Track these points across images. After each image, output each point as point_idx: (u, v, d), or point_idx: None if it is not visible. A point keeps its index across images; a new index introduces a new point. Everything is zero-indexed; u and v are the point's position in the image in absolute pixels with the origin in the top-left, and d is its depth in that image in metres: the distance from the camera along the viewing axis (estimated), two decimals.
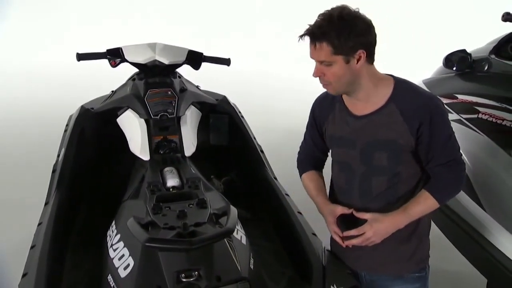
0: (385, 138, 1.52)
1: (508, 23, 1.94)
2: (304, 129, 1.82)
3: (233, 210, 1.41)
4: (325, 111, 1.68)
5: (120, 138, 2.10)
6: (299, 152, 1.86)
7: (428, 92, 1.59)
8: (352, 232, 1.54)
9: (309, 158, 1.81)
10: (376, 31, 1.47)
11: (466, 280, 2.52)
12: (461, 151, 2.03)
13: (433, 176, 1.54)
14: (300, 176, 1.83)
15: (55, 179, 2.03)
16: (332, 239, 1.70)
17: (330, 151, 1.73)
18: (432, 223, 2.24)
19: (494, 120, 1.95)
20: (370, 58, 1.50)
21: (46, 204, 1.96)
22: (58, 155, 2.20)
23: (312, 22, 1.46)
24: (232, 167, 2.39)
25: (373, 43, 1.49)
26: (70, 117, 2.40)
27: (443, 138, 1.50)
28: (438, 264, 2.73)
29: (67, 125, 2.38)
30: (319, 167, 1.82)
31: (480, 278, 2.24)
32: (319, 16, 1.46)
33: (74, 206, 2.01)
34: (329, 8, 1.46)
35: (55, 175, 2.07)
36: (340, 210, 1.61)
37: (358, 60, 1.46)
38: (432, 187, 1.53)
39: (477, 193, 1.97)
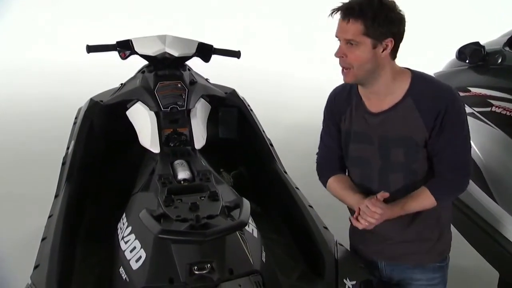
0: (401, 134, 1.51)
1: None
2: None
3: (246, 203, 1.40)
4: (342, 105, 1.64)
5: (129, 130, 2.10)
6: (318, 156, 1.78)
7: (447, 84, 1.52)
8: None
9: (331, 161, 1.72)
10: None
11: (478, 274, 2.52)
12: (473, 144, 2.04)
13: (437, 174, 1.52)
14: (324, 183, 1.74)
15: (65, 172, 2.04)
16: (351, 232, 1.72)
17: (345, 147, 1.67)
18: None
19: (508, 113, 1.94)
20: (395, 51, 1.48)
21: (56, 196, 1.97)
22: (68, 148, 2.21)
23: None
24: (241, 160, 2.39)
25: (402, 36, 1.47)
26: (79, 109, 2.40)
27: (454, 133, 1.47)
28: (450, 259, 2.74)
29: (76, 117, 2.38)
30: (344, 169, 1.72)
31: (492, 272, 2.24)
32: None
33: (83, 199, 2.01)
34: None
35: (65, 167, 2.07)
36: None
37: (384, 49, 1.44)
38: (434, 186, 1.51)
39: (489, 186, 1.97)
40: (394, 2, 1.43)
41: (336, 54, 1.48)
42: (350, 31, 1.42)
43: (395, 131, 1.51)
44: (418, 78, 1.51)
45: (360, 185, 1.63)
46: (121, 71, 2.47)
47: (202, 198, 1.53)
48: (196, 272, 1.29)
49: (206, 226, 1.33)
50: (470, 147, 1.54)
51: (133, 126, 2.10)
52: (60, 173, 2.10)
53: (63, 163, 2.13)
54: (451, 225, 2.25)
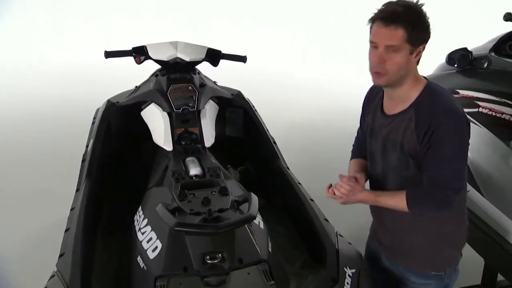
0: (396, 140, 1.49)
1: (509, 23, 1.93)
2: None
3: (254, 198, 1.42)
4: (370, 101, 1.65)
5: (143, 130, 2.12)
6: (355, 139, 1.83)
7: (451, 105, 1.44)
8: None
9: (357, 148, 1.78)
10: None
11: (465, 261, 2.53)
12: None
13: (420, 182, 1.48)
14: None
15: (85, 168, 2.05)
16: (368, 241, 1.79)
17: (366, 141, 1.68)
18: None
19: (494, 114, 1.95)
20: (420, 58, 1.45)
21: (77, 190, 1.99)
22: (87, 146, 2.22)
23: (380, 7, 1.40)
24: (246, 157, 2.40)
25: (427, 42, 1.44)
26: (97, 110, 2.42)
27: (438, 151, 1.41)
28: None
29: (94, 117, 2.39)
30: (363, 154, 1.73)
31: (478, 259, 2.26)
32: (392, 4, 1.39)
33: (102, 193, 2.03)
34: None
35: (85, 164, 2.09)
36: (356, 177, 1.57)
37: (416, 55, 1.42)
38: (411, 192, 1.48)
39: (476, 181, 1.99)
40: (420, 8, 1.40)
41: (375, 62, 1.41)
42: (393, 37, 1.36)
43: (393, 136, 1.50)
44: (428, 90, 1.46)
45: (371, 178, 1.66)
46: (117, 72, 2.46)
47: (213, 193, 1.54)
48: (209, 261, 1.31)
49: (217, 219, 1.35)
50: (459, 169, 1.46)
51: (146, 126, 2.12)
52: (80, 169, 2.11)
53: (83, 160, 2.15)
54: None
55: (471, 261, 2.36)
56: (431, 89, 1.46)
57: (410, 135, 1.44)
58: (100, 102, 2.43)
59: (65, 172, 2.98)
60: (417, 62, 1.46)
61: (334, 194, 1.54)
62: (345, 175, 1.55)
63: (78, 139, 2.72)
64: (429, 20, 1.40)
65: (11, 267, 2.75)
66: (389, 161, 1.54)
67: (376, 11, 1.40)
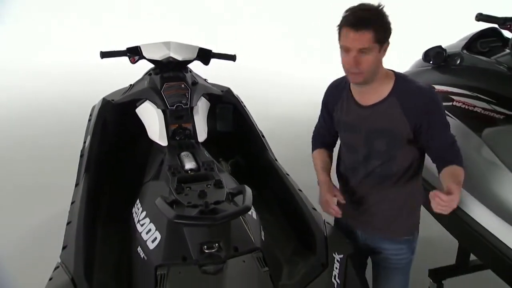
0: (385, 126, 1.54)
1: (480, 22, 1.94)
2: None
3: (248, 190, 1.41)
4: (336, 97, 1.68)
5: (137, 126, 2.09)
6: (314, 128, 1.87)
7: (426, 86, 1.55)
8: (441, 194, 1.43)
9: (321, 137, 1.83)
10: None
11: (440, 242, 2.57)
12: None
13: (443, 157, 1.54)
14: (312, 151, 1.85)
15: (83, 163, 2.02)
16: (339, 219, 1.77)
17: (339, 133, 1.73)
18: None
19: (466, 107, 1.97)
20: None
21: (76, 185, 1.96)
22: (84, 142, 2.19)
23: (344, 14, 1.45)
24: (237, 150, 2.39)
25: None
26: (93, 108, 2.38)
27: (441, 124, 1.52)
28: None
29: (90, 115, 2.36)
30: (328, 146, 1.83)
31: (452, 240, 2.29)
32: (356, 8, 1.43)
33: (100, 187, 2.01)
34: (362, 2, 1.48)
35: (83, 159, 2.06)
36: (335, 195, 1.65)
37: (384, 51, 1.47)
38: (457, 161, 1.54)
39: None
40: (381, 9, 1.45)
41: (350, 64, 1.45)
42: (364, 41, 1.41)
43: (379, 124, 1.54)
44: (400, 79, 1.54)
45: (349, 166, 1.69)
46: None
47: (209, 186, 1.53)
48: (206, 251, 1.30)
49: (214, 211, 1.34)
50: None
51: (140, 122, 2.09)
52: (79, 164, 2.08)
53: (81, 156, 2.12)
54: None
55: (447, 243, 2.42)
56: (402, 78, 1.55)
57: (399, 119, 1.50)
58: (95, 99, 2.39)
59: (62, 166, 2.95)
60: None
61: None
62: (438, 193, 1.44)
63: (75, 135, 2.70)
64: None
65: (13, 260, 2.71)
66: (375, 147, 1.58)
67: (343, 17, 1.45)
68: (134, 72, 2.46)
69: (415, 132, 1.52)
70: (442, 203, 1.42)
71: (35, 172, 3.72)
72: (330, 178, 1.72)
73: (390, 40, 1.47)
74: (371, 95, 1.54)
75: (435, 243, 2.72)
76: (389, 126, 1.53)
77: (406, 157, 1.59)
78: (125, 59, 2.19)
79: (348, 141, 1.67)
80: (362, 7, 1.43)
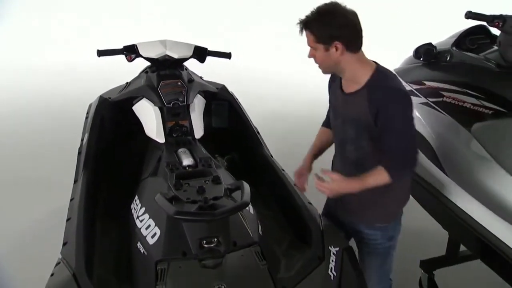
0: (354, 115, 1.60)
1: (469, 20, 1.95)
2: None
3: (246, 186, 1.41)
4: (333, 82, 1.76)
5: (134, 124, 2.08)
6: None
7: (398, 89, 1.56)
8: (320, 181, 1.61)
9: (327, 117, 1.90)
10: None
11: (431, 235, 2.60)
12: (428, 128, 2.09)
13: (389, 158, 1.57)
14: None
15: (82, 160, 2.01)
16: (328, 200, 1.91)
17: (331, 118, 1.81)
18: None
19: (456, 102, 1.98)
20: (351, 47, 1.53)
21: (75, 182, 1.94)
22: (82, 140, 2.17)
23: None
24: (232, 147, 2.39)
25: (351, 36, 1.52)
26: (90, 105, 2.36)
27: (394, 128, 1.52)
28: (407, 222, 2.82)
29: (87, 112, 2.34)
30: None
31: (442, 232, 2.31)
32: (309, 13, 1.53)
33: (98, 184, 2.00)
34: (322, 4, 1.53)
35: (81, 156, 2.04)
36: (306, 171, 1.83)
37: (336, 49, 1.51)
38: (387, 166, 1.56)
39: (441, 162, 2.01)
40: (341, 8, 1.50)
41: (308, 56, 1.60)
42: (308, 40, 1.55)
43: (351, 111, 1.61)
44: (378, 73, 1.57)
45: (335, 145, 1.81)
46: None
47: (207, 182, 1.53)
48: (205, 246, 1.31)
49: (213, 206, 1.34)
50: (413, 136, 1.60)
51: (137, 120, 2.08)
52: (77, 161, 2.06)
53: (79, 153, 2.10)
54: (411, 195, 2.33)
55: (437, 235, 2.45)
56: (380, 72, 1.58)
57: (364, 111, 1.54)
58: (92, 97, 2.37)
59: (60, 163, 2.92)
60: (354, 51, 1.54)
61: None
62: (319, 175, 1.63)
63: (72, 133, 2.67)
64: (347, 16, 1.50)
65: (12, 256, 2.69)
66: (347, 134, 1.66)
67: None
68: (131, 70, 2.45)
69: (376, 125, 1.54)
70: (317, 182, 1.60)
71: (32, 168, 3.69)
72: (315, 156, 1.87)
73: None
74: (351, 84, 1.61)
75: (426, 235, 2.75)
76: (357, 115, 1.58)
77: (376, 150, 1.60)
78: (122, 57, 2.17)
79: (333, 124, 1.77)
80: (314, 9, 1.53)
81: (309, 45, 1.56)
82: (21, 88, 5.38)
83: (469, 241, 2.07)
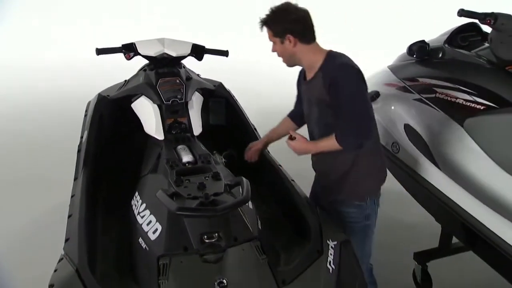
0: (315, 97, 1.77)
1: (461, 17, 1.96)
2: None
3: (246, 182, 1.41)
4: (300, 77, 1.94)
5: (132, 121, 2.07)
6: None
7: (345, 63, 1.71)
8: (290, 140, 1.80)
9: (294, 108, 2.08)
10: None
11: (424, 227, 2.62)
12: (422, 123, 2.10)
13: (340, 125, 1.70)
14: None
15: (81, 158, 1.99)
16: (312, 187, 2.03)
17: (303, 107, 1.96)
18: (398, 184, 2.31)
19: (449, 98, 1.99)
20: (303, 39, 1.73)
21: (75, 179, 1.93)
22: (81, 137, 2.16)
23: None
24: (230, 143, 2.38)
25: (302, 29, 1.72)
26: (88, 103, 2.35)
27: (343, 95, 1.66)
28: (401, 216, 2.85)
29: (86, 110, 2.32)
30: (294, 117, 2.08)
31: (435, 224, 2.33)
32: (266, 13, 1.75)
33: (98, 180, 1.99)
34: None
35: (81, 154, 2.03)
36: (258, 146, 2.08)
37: (290, 42, 1.72)
38: (337, 132, 1.69)
39: (434, 156, 2.02)
40: (291, 6, 1.72)
41: (272, 51, 1.81)
42: (268, 35, 1.77)
43: (313, 94, 1.79)
44: (329, 57, 1.74)
45: (309, 135, 1.92)
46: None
47: (207, 178, 1.52)
48: (206, 241, 1.30)
49: (214, 202, 1.34)
50: (363, 104, 1.70)
51: (135, 117, 2.06)
52: (77, 159, 2.05)
53: (79, 150, 2.09)
54: (405, 189, 2.35)
55: (430, 228, 2.47)
56: (331, 55, 1.75)
57: (321, 90, 1.71)
58: (90, 94, 2.36)
59: (59, 160, 2.89)
60: (307, 42, 1.74)
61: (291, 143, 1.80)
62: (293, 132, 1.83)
63: (71, 130, 2.66)
64: (298, 13, 1.72)
65: (13, 252, 2.68)
66: (313, 115, 1.83)
67: None
68: (126, 67, 2.43)
69: (330, 99, 1.69)
70: (287, 140, 1.80)
71: (31, 166, 3.67)
72: (271, 139, 2.10)
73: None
74: (310, 72, 1.79)
75: (419, 228, 2.77)
76: (318, 96, 1.75)
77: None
78: (119, 55, 2.16)
79: (305, 112, 1.91)
80: (269, 9, 1.74)
81: (269, 39, 1.78)
82: (19, 86, 5.35)
83: (461, 232, 2.09)
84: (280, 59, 1.83)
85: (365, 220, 1.86)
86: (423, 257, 2.42)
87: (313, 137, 1.88)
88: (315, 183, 2.00)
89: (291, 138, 1.80)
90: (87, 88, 2.85)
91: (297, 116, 2.06)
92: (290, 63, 1.81)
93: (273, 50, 1.80)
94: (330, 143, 1.72)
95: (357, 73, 1.68)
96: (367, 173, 1.83)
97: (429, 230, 2.50)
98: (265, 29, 1.77)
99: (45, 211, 3.00)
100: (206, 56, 2.25)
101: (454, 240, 2.38)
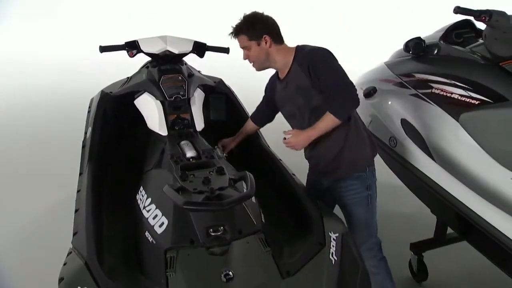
0: (295, 87, 1.85)
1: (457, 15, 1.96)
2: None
3: (251, 176, 1.41)
4: (272, 85, 2.04)
5: (133, 117, 2.06)
6: (256, 108, 2.20)
7: (314, 47, 1.84)
8: (286, 141, 1.85)
9: (258, 112, 2.17)
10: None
11: (420, 218, 2.64)
12: (418, 118, 2.11)
13: (330, 100, 1.77)
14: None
15: (86, 153, 1.99)
16: (308, 176, 2.07)
17: (280, 110, 2.05)
18: (393, 174, 2.32)
19: (444, 93, 1.99)
20: (276, 40, 1.86)
21: (80, 174, 1.93)
22: (85, 133, 2.15)
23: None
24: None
25: (274, 31, 1.86)
26: (91, 100, 2.34)
27: (325, 70, 1.76)
28: (398, 208, 2.86)
29: (89, 106, 2.31)
30: (255, 118, 2.17)
31: (430, 216, 2.35)
32: (238, 22, 1.86)
33: (102, 176, 1.98)
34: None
35: (85, 150, 2.03)
36: (228, 143, 2.16)
37: (266, 42, 1.83)
38: (330, 107, 1.76)
39: (430, 151, 2.03)
40: (258, 15, 1.86)
41: (243, 58, 1.91)
42: (242, 42, 1.87)
43: (292, 86, 1.86)
44: (298, 49, 1.86)
45: (296, 128, 1.95)
46: None
47: (211, 173, 1.52)
48: (212, 234, 1.31)
49: (219, 196, 1.34)
50: (343, 73, 1.78)
51: (136, 114, 2.06)
52: (81, 154, 2.05)
53: (83, 146, 2.08)
54: (402, 182, 2.36)
55: (426, 219, 2.49)
56: (299, 48, 1.87)
57: (301, 75, 1.81)
58: (89, 91, 2.35)
59: (60, 156, 2.86)
60: (279, 42, 1.87)
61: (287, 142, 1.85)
62: (285, 132, 1.89)
63: (73, 126, 2.64)
64: (265, 16, 1.87)
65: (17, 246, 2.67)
66: (299, 106, 1.87)
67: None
68: (123, 64, 2.41)
69: (312, 80, 1.78)
70: (284, 142, 1.85)
71: (34, 162, 3.66)
72: (238, 140, 2.17)
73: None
74: (284, 70, 1.89)
75: (416, 219, 2.79)
76: (298, 84, 1.83)
77: (326, 103, 1.79)
78: (118, 53, 2.15)
79: (286, 112, 1.99)
80: (240, 19, 1.86)
81: (242, 47, 1.88)
82: (19, 84, 5.31)
83: (455, 223, 2.11)
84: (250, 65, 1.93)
85: (367, 190, 1.91)
86: (419, 247, 2.44)
87: (304, 126, 1.89)
88: (311, 171, 2.05)
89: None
90: (87, 85, 2.84)
91: (258, 117, 2.17)
92: (264, 65, 1.89)
93: (245, 57, 1.89)
94: (327, 121, 1.77)
95: (328, 52, 1.81)
96: (360, 145, 1.90)
97: (425, 221, 2.52)
98: (235, 37, 1.88)
99: (49, 207, 2.98)
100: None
101: (449, 231, 2.40)
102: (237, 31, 1.86)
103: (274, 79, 2.01)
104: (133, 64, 2.37)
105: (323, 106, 1.79)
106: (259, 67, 1.91)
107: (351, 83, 1.78)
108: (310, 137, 1.83)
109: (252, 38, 1.84)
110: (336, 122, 1.78)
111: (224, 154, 2.18)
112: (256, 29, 1.83)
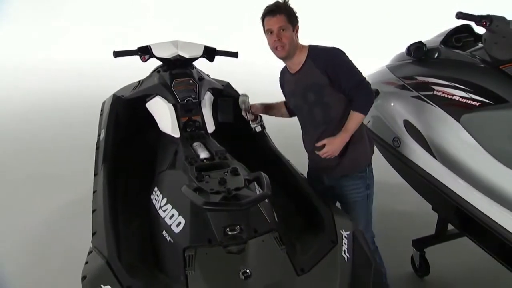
0: (308, 82, 1.83)
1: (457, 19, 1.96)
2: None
3: (266, 177, 1.40)
4: (283, 78, 2.01)
5: (144, 119, 2.05)
6: None
7: (330, 47, 1.84)
8: (321, 152, 1.82)
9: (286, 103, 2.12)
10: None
11: (421, 215, 2.64)
12: (420, 119, 2.11)
13: (351, 98, 1.79)
14: None
15: (100, 155, 1.98)
16: (308, 172, 2.07)
17: (288, 102, 2.05)
18: (395, 174, 2.32)
19: (446, 95, 1.99)
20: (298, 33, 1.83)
21: (95, 175, 1.92)
22: (99, 135, 2.14)
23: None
24: (238, 140, 2.37)
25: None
26: (103, 103, 2.33)
27: (345, 71, 1.77)
28: (400, 205, 2.86)
29: (102, 110, 2.30)
30: (288, 109, 2.10)
31: (431, 213, 2.35)
32: (270, 4, 1.80)
33: (116, 176, 1.97)
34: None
35: (99, 151, 2.02)
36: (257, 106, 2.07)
37: (296, 31, 1.82)
38: (354, 105, 1.78)
39: (432, 150, 2.03)
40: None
41: (274, 39, 1.79)
42: (281, 21, 1.77)
43: (305, 81, 1.84)
44: (312, 48, 1.85)
45: (303, 125, 1.99)
46: None
47: (226, 174, 1.52)
48: (229, 233, 1.30)
49: (236, 197, 1.33)
50: (360, 73, 1.79)
51: (147, 116, 2.05)
52: (96, 156, 2.04)
53: (97, 148, 2.07)
54: (404, 180, 2.35)
55: (426, 217, 2.49)
56: (313, 47, 1.86)
57: (315, 72, 1.79)
58: (94, 95, 2.34)
59: (71, 158, 2.83)
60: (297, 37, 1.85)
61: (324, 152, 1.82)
62: (317, 145, 1.85)
63: (84, 129, 2.62)
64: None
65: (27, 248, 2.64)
66: (310, 101, 1.86)
67: (263, 12, 1.81)
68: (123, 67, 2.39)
69: (330, 80, 1.78)
70: (320, 153, 1.82)
71: (45, 164, 3.63)
72: (266, 108, 2.12)
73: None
74: (296, 65, 1.87)
75: (417, 216, 2.79)
76: (311, 80, 1.82)
77: (339, 104, 1.83)
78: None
79: (294, 104, 1.96)
80: (274, 3, 1.80)
81: (278, 26, 1.77)
82: (23, 88, 5.28)
83: (456, 219, 2.11)
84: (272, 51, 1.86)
85: (367, 190, 1.94)
86: (421, 243, 2.44)
87: (314, 122, 1.89)
88: (312, 168, 2.05)
89: (319, 149, 1.82)
90: (92, 89, 2.82)
91: (289, 108, 2.12)
92: (292, 51, 1.82)
93: (278, 38, 1.78)
94: (355, 119, 1.78)
95: (342, 51, 1.82)
96: (362, 143, 1.91)
97: (425, 219, 2.52)
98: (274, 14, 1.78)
99: (62, 206, 2.96)
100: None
101: (450, 227, 2.40)
102: (278, 9, 1.77)
103: (284, 72, 1.99)
104: (133, 65, 2.34)
105: (333, 103, 1.82)
106: (288, 51, 1.81)
107: (366, 79, 1.81)
108: (344, 141, 1.81)
109: (289, 21, 1.79)
110: (363, 119, 1.80)
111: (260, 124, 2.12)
112: (293, 16, 1.80)
